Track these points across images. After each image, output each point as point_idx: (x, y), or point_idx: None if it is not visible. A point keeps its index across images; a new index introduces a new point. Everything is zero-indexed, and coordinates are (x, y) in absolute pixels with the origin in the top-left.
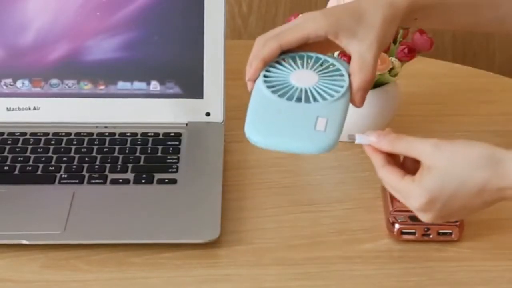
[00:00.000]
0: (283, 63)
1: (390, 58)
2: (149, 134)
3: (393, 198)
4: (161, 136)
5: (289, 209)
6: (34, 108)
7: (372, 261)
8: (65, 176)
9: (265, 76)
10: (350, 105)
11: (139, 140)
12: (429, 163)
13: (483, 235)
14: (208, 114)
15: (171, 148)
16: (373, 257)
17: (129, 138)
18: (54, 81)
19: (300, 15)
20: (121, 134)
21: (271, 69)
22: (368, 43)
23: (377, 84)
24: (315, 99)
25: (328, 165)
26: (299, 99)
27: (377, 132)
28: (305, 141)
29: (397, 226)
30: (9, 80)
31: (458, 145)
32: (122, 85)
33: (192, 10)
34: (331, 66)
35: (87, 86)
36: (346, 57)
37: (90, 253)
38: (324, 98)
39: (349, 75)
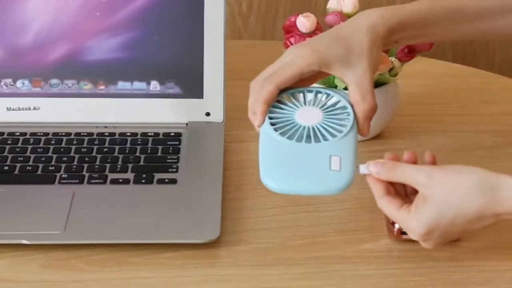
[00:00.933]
0: (285, 101)
1: (390, 58)
2: (149, 134)
3: None
4: (161, 136)
5: (289, 209)
6: (34, 108)
7: (372, 261)
8: (65, 176)
9: (270, 118)
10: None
11: (139, 140)
12: (424, 193)
13: (483, 235)
14: (208, 114)
15: (171, 148)
16: (373, 257)
17: (129, 138)
18: (54, 81)
19: (287, 50)
20: (121, 134)
21: (274, 109)
22: (362, 70)
23: (377, 84)
24: (324, 138)
25: None
26: (308, 138)
27: (376, 162)
28: (323, 184)
29: (397, 226)
30: (9, 80)
31: (451, 173)
32: (122, 85)
33: (192, 10)
34: (332, 99)
35: (87, 86)
36: None
37: (90, 253)
38: (333, 135)
39: (351, 106)
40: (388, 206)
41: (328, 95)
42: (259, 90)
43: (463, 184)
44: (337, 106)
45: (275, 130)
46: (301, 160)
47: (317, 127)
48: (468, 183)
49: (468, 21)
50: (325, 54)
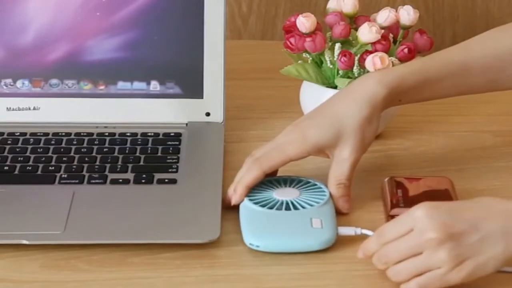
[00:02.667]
0: (264, 182)
1: (390, 58)
2: (149, 134)
3: (393, 198)
4: (161, 136)
5: None
6: (34, 108)
7: (372, 261)
8: (65, 176)
9: (248, 195)
10: None
11: (139, 140)
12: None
13: None
14: (208, 114)
15: (171, 148)
16: None
17: (129, 138)
18: (54, 81)
19: (286, 129)
20: (121, 134)
21: (254, 188)
22: (348, 152)
23: None
24: (302, 207)
25: (328, 165)
26: (287, 208)
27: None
28: (307, 239)
29: None
30: (9, 80)
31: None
32: (122, 85)
33: (192, 10)
34: (310, 183)
35: (87, 86)
36: (346, 56)
37: (90, 253)
38: (311, 205)
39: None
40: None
41: (309, 182)
42: (246, 172)
43: None
44: (315, 187)
45: (255, 203)
46: (282, 222)
47: (294, 200)
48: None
49: (474, 74)
50: (317, 141)
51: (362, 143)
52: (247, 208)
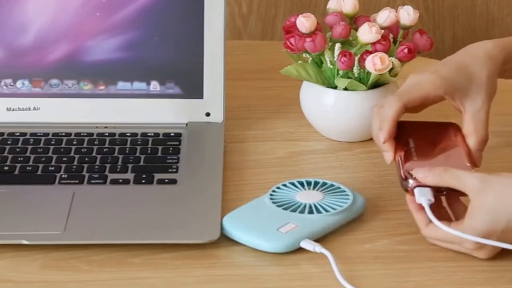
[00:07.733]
0: (288, 185)
1: (390, 58)
2: (149, 134)
3: (404, 150)
4: (161, 136)
5: None
6: (34, 108)
7: (372, 261)
8: (65, 176)
9: (271, 194)
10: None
11: (139, 140)
12: (477, 199)
13: None
14: (208, 114)
15: (171, 148)
16: (373, 257)
17: (129, 138)
18: (54, 81)
19: (411, 75)
20: (121, 134)
21: (277, 190)
22: (481, 102)
23: (377, 84)
24: (303, 212)
25: (328, 165)
26: (286, 208)
27: (423, 168)
28: (262, 240)
29: (411, 182)
30: (9, 80)
31: (505, 180)
32: (122, 85)
33: (192, 10)
34: (337, 188)
35: (87, 86)
36: (346, 56)
37: (90, 253)
38: (311, 212)
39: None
40: (436, 231)
41: (333, 185)
42: (387, 107)
43: None
44: (340, 192)
45: (273, 202)
46: (263, 219)
47: (313, 204)
48: None
49: None
50: (451, 83)
51: (491, 95)
52: (260, 200)
